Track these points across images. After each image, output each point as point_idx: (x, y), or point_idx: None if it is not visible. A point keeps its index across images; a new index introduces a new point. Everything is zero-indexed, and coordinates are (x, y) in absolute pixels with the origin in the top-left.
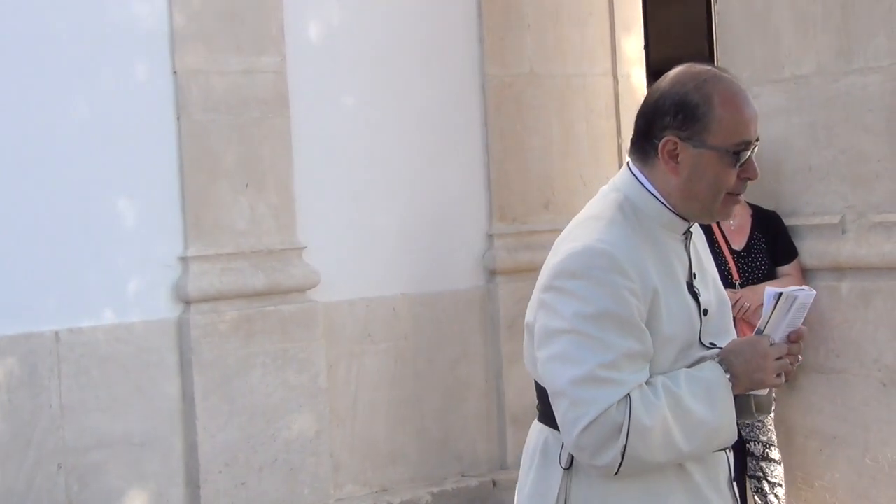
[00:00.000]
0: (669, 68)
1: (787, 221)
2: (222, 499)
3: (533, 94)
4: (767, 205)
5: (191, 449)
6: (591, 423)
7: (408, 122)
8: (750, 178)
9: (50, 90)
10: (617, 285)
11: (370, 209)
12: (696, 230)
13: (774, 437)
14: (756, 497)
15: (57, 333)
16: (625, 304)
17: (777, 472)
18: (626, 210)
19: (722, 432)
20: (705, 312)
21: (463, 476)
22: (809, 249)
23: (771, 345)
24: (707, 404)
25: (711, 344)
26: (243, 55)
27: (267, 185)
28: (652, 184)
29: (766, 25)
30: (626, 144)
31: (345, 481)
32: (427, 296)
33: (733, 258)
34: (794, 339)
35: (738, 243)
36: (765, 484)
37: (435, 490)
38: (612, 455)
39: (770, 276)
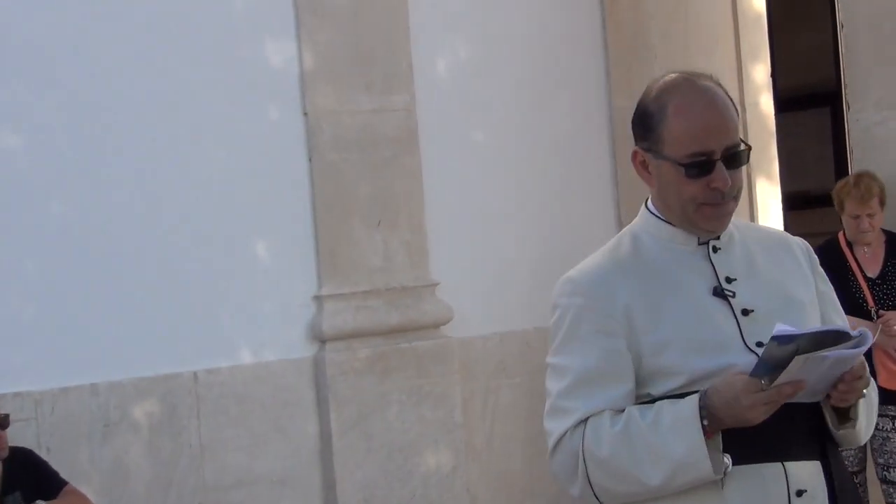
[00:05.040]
0: (798, 95)
1: None
2: None
3: None
4: None
5: (329, 486)
6: (553, 451)
7: (537, 156)
8: (719, 189)
9: (185, 136)
10: (577, 306)
11: (501, 243)
12: (769, 243)
13: None
14: None
15: (195, 374)
16: (583, 322)
17: None
18: (625, 237)
19: (693, 469)
20: (745, 312)
21: None
22: None
23: (764, 389)
24: (670, 440)
25: (759, 344)
26: (373, 94)
27: (399, 222)
28: (652, 201)
29: (894, 49)
30: (755, 173)
31: None
32: None
33: (868, 285)
34: (848, 381)
35: (873, 271)
36: None
37: None
38: (580, 483)
39: None
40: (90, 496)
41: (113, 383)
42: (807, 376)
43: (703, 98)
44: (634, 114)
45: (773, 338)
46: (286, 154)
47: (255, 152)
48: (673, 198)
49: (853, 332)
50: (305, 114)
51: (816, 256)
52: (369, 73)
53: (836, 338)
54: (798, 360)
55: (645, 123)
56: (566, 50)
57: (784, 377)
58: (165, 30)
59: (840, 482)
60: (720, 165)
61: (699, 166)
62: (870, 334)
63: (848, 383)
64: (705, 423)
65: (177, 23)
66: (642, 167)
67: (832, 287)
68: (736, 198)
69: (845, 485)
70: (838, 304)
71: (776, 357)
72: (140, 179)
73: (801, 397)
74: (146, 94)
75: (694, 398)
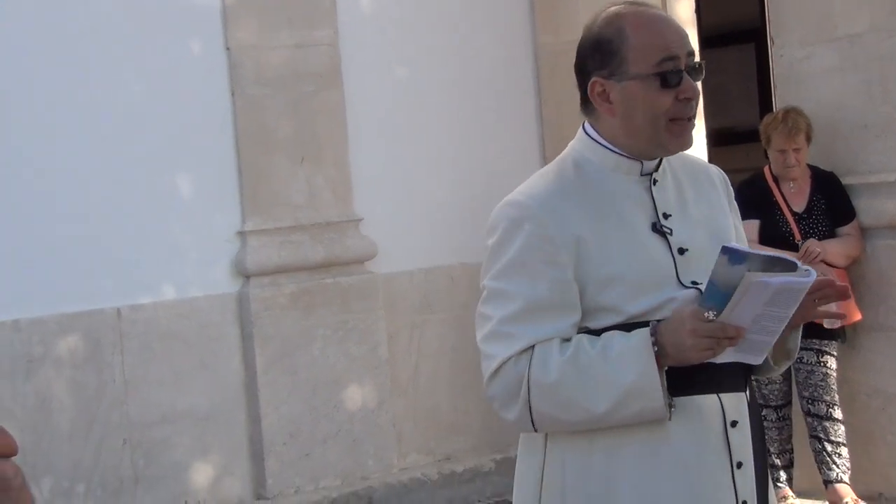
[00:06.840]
0: (722, 31)
1: (844, 181)
2: (287, 471)
3: None
4: (825, 165)
5: (254, 422)
6: (493, 375)
7: (461, 93)
8: (689, 98)
9: (105, 70)
10: (525, 231)
11: (425, 179)
12: (694, 174)
13: (837, 397)
14: (818, 457)
15: (119, 310)
16: (534, 249)
17: (840, 432)
18: (567, 163)
19: (643, 396)
20: (681, 251)
21: None
22: (867, 208)
23: (711, 320)
24: (621, 367)
25: (693, 283)
26: (295, 29)
27: (323, 158)
28: (598, 132)
29: None
30: None
31: (408, 451)
32: None
33: (794, 220)
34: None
35: (799, 205)
36: (827, 445)
37: (498, 457)
38: (518, 409)
39: (830, 236)
40: (13, 433)
41: (35, 319)
42: (752, 307)
43: (655, 13)
44: (584, 48)
45: (724, 250)
46: (208, 89)
47: (178, 87)
48: (641, 119)
49: (801, 265)
50: (228, 48)
51: (732, 189)
52: (292, 8)
53: (784, 267)
54: (747, 278)
55: (602, 50)
56: None
57: (733, 302)
58: None
59: (757, 413)
60: (686, 76)
61: (671, 74)
62: (815, 272)
63: (817, 292)
64: (656, 349)
65: None
66: (602, 98)
67: (742, 222)
68: (694, 117)
69: (759, 415)
70: (745, 240)
71: (726, 277)
72: (65, 114)
73: (746, 354)
74: (66, 26)
75: (644, 329)
